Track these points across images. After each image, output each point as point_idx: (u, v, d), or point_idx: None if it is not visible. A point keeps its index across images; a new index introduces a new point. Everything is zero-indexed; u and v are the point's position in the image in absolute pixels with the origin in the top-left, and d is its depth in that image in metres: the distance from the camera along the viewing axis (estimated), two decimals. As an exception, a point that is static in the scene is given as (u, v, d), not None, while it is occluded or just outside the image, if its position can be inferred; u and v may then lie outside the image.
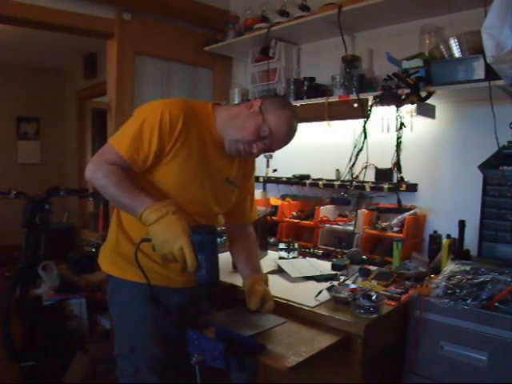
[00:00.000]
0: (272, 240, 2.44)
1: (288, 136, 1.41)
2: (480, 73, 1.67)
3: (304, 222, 2.48)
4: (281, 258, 2.13)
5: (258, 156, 1.47)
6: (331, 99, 2.19)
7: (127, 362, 1.41)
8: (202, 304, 1.28)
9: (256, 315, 1.42)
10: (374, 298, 1.51)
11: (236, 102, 2.76)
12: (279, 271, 1.95)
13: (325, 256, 2.19)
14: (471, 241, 1.80)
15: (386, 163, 2.19)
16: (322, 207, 2.41)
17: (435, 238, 1.99)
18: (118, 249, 1.45)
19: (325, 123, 2.23)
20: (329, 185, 2.42)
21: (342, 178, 2.39)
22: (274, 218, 2.57)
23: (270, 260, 2.14)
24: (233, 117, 1.40)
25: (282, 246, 2.20)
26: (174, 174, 1.35)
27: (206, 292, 1.24)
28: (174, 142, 1.31)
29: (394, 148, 2.05)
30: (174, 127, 1.30)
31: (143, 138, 1.29)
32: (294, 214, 2.57)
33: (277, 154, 2.72)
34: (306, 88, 2.36)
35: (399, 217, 2.10)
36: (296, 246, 2.21)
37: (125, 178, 1.25)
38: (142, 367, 1.39)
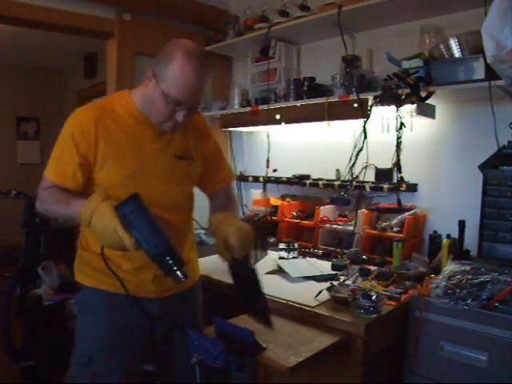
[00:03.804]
0: (272, 240, 2.44)
1: (196, 85, 1.23)
2: (480, 73, 1.67)
3: (304, 222, 2.48)
4: (281, 258, 2.13)
5: (187, 120, 1.31)
6: (331, 99, 2.18)
7: (84, 370, 1.36)
8: (172, 276, 1.12)
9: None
10: (374, 297, 1.51)
11: (236, 102, 2.76)
12: (279, 271, 1.95)
13: (325, 256, 2.19)
14: (471, 241, 1.79)
15: (386, 163, 2.19)
16: (322, 207, 2.41)
17: (435, 238, 1.99)
18: (80, 253, 1.44)
19: (325, 123, 2.23)
20: (329, 185, 2.42)
21: (342, 178, 2.38)
22: (274, 217, 2.57)
23: (270, 260, 2.14)
24: (143, 98, 1.32)
25: (281, 246, 2.21)
26: (113, 176, 1.30)
27: (163, 263, 1.09)
28: (94, 147, 1.28)
29: (394, 148, 2.05)
30: (88, 134, 1.28)
31: (64, 156, 1.30)
32: (294, 213, 2.57)
33: (277, 154, 2.74)
34: (306, 88, 2.36)
35: (399, 217, 2.10)
36: (296, 245, 2.21)
37: (60, 194, 1.26)
38: (99, 375, 1.34)
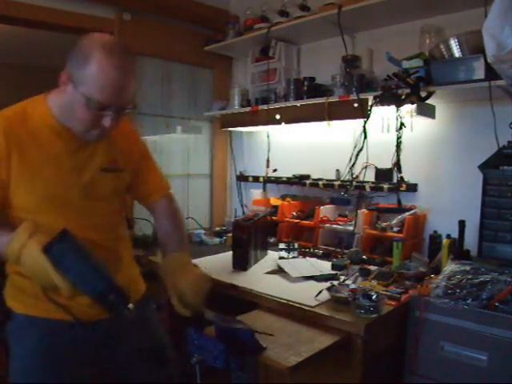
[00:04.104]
0: (272, 240, 2.44)
1: (120, 83, 1.10)
2: (480, 73, 1.67)
3: (304, 222, 2.48)
4: (281, 258, 2.13)
5: (115, 124, 1.17)
6: (331, 99, 2.19)
7: None
8: (117, 314, 1.04)
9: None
10: (374, 297, 1.51)
11: (236, 102, 2.76)
12: (279, 271, 1.95)
13: (325, 256, 2.19)
14: (471, 241, 1.79)
15: (386, 163, 2.19)
16: (322, 207, 2.41)
17: (435, 238, 1.99)
18: (12, 277, 1.27)
19: (325, 123, 2.23)
20: (329, 185, 2.42)
21: (342, 178, 2.39)
22: (274, 217, 2.57)
23: (270, 260, 2.14)
24: (61, 106, 1.18)
25: (282, 245, 2.21)
26: (29, 199, 1.15)
27: (105, 302, 1.01)
28: (5, 163, 1.12)
29: (394, 148, 2.05)
30: None
31: None
32: (294, 214, 2.57)
33: (277, 154, 2.74)
34: (306, 88, 2.36)
35: (399, 217, 2.10)
36: (296, 245, 2.21)
37: None
38: None
